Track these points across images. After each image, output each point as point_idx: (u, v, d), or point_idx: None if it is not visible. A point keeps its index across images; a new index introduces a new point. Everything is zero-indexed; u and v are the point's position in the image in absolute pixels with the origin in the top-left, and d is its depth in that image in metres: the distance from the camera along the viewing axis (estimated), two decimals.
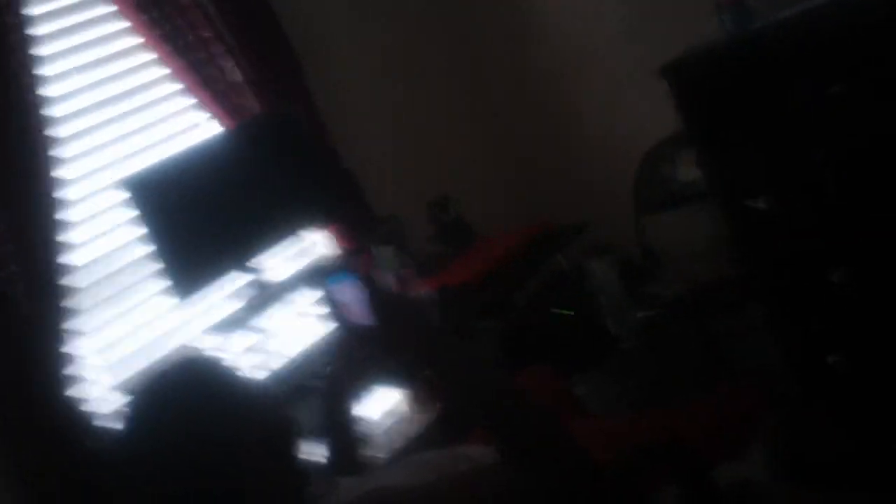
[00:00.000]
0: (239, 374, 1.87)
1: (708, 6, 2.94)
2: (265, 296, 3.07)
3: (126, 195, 2.86)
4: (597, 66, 3.74)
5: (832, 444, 2.31)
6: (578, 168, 3.91)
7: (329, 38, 3.64)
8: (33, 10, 2.89)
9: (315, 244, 3.44)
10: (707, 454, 1.98)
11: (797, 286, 2.96)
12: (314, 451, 2.00)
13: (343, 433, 1.99)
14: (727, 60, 2.89)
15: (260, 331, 3.05)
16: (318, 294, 3.32)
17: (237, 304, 3.11)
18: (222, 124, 3.27)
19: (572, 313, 3.42)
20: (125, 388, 2.86)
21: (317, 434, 1.98)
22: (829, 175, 2.78)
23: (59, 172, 2.84)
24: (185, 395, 1.64)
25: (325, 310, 2.81)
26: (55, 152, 2.84)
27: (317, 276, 3.22)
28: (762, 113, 2.85)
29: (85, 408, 2.73)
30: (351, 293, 1.94)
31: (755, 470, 2.06)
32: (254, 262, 3.09)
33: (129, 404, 1.67)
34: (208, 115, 3.29)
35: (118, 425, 1.68)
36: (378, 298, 1.90)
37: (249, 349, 3.10)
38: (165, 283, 2.93)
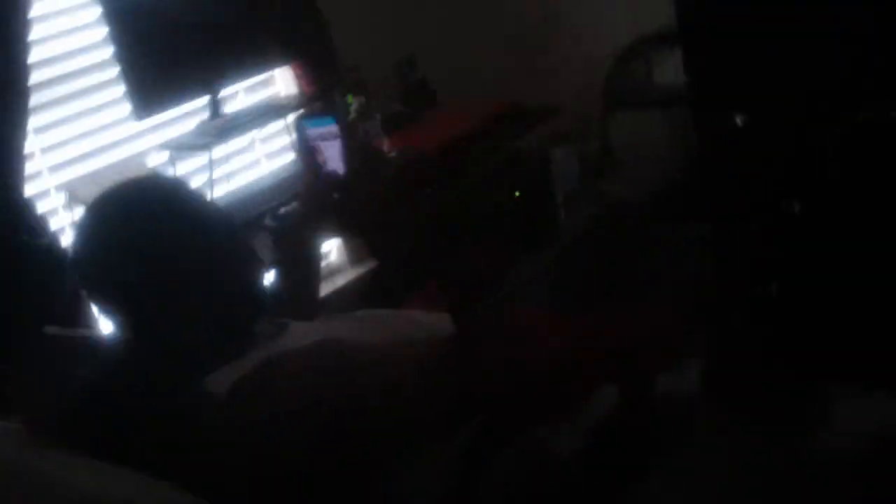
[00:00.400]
0: (202, 196, 1.82)
1: None
2: (222, 123, 2.98)
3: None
4: None
5: (762, 374, 2.35)
6: (556, 52, 3.83)
7: None
8: None
9: (278, 82, 3.34)
10: (645, 363, 1.98)
11: (752, 208, 2.98)
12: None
13: (299, 275, 1.96)
14: None
15: (215, 158, 2.97)
16: (274, 130, 3.27)
17: (194, 127, 3.02)
18: None
19: (520, 195, 3.39)
20: (71, 191, 2.78)
21: (270, 271, 1.94)
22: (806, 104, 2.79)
23: None
24: (148, 210, 1.59)
25: (296, 150, 2.77)
26: None
27: (275, 112, 3.15)
28: (758, 31, 2.82)
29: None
30: (327, 138, 1.89)
31: (689, 385, 2.08)
32: (217, 90, 2.99)
33: (90, 212, 1.62)
34: None
35: (73, 233, 1.63)
36: (355, 148, 1.86)
37: (202, 172, 3.02)
38: (125, 95, 2.83)
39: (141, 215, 1.58)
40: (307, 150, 1.89)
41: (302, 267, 1.96)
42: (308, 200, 1.97)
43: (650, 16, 3.32)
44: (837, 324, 2.88)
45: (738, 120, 2.87)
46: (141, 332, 1.58)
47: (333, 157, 1.83)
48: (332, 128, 1.82)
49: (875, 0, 2.60)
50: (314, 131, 1.88)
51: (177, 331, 1.57)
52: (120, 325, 1.60)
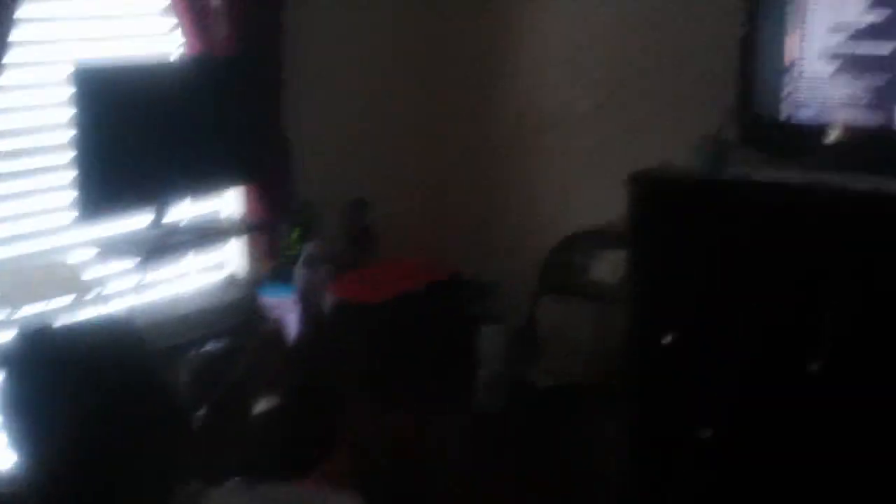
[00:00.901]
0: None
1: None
2: (160, 237, 2.90)
3: (71, 81, 2.65)
4: (558, 143, 3.72)
5: None
6: (498, 224, 3.88)
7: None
8: None
9: (228, 204, 3.29)
10: None
11: (666, 427, 3.01)
12: None
13: (227, 439, 1.88)
14: (694, 192, 2.93)
15: (147, 268, 2.88)
16: (212, 253, 3.20)
17: (130, 233, 2.93)
18: (185, 37, 3.07)
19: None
20: None
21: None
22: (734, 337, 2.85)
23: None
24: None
25: (254, 316, 2.70)
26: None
27: (217, 236, 3.10)
28: (703, 253, 2.90)
29: None
30: (284, 307, 1.86)
31: None
32: (167, 203, 2.93)
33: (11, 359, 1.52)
34: (176, 24, 3.08)
35: None
36: (310, 319, 1.83)
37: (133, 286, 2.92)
38: (73, 192, 2.73)
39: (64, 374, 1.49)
40: (264, 316, 1.85)
41: (232, 430, 1.89)
42: (251, 362, 1.91)
43: (601, 210, 3.39)
44: None
45: (668, 339, 2.93)
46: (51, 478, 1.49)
47: (290, 326, 1.79)
48: (291, 300, 1.79)
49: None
50: (271, 301, 1.84)
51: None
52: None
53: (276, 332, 1.76)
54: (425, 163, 3.90)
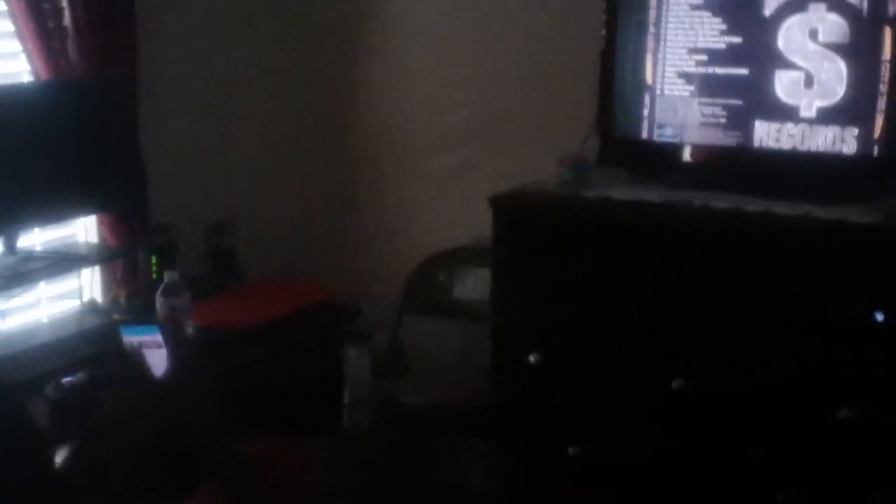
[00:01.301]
0: None
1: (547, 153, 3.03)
2: (13, 265, 2.78)
3: None
4: (421, 162, 3.74)
5: None
6: (363, 244, 3.88)
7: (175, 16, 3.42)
8: None
9: (81, 230, 3.18)
10: None
11: (533, 445, 3.03)
12: None
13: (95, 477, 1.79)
14: (556, 214, 2.95)
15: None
16: (67, 282, 3.08)
17: None
18: (33, 65, 2.97)
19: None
20: None
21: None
22: (601, 360, 2.89)
23: None
24: None
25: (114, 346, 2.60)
26: None
27: (72, 264, 2.98)
28: (563, 274, 2.93)
29: None
30: (150, 346, 1.79)
31: None
32: (17, 231, 2.81)
33: None
34: (23, 49, 2.98)
35: None
36: (177, 361, 1.77)
37: None
38: None
39: None
40: (124, 357, 1.77)
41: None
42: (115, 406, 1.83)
43: (465, 229, 3.42)
44: None
45: (532, 358, 2.95)
46: None
47: (157, 364, 1.72)
48: (156, 337, 1.72)
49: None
50: (134, 339, 1.76)
51: None
52: None
53: (140, 364, 1.69)
54: (287, 182, 3.87)
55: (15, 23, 2.93)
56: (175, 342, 1.83)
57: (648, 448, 2.86)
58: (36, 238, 3.04)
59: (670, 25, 2.89)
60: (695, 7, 2.85)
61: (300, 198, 3.90)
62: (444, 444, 3.48)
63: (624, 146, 3.05)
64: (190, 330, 2.71)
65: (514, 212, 2.98)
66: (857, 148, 2.71)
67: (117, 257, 3.07)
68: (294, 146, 3.89)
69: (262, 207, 3.74)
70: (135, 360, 1.72)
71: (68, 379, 2.39)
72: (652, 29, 2.91)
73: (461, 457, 3.42)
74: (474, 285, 3.48)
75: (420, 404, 3.42)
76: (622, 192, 2.90)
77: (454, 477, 3.42)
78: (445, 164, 3.70)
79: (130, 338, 1.74)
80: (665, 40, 2.90)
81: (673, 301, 2.77)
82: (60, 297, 3.15)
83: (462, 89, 3.63)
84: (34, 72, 2.98)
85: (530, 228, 2.97)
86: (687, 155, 2.96)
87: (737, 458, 2.72)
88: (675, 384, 2.76)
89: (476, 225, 3.10)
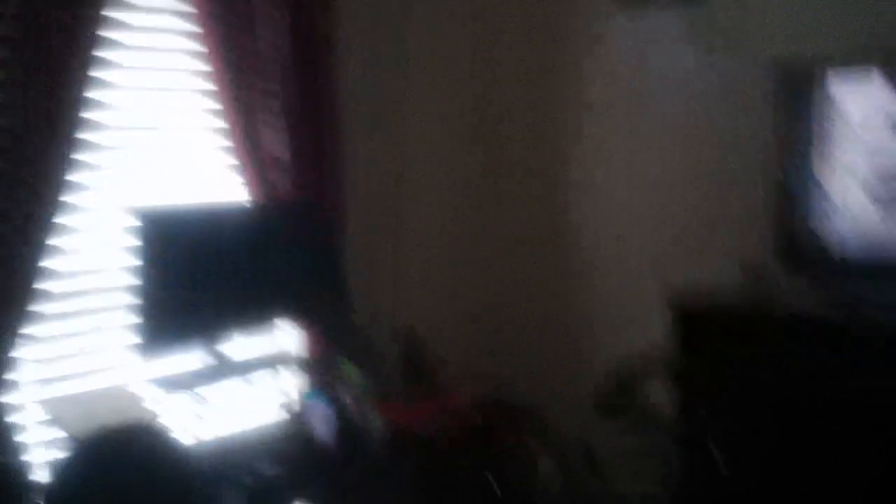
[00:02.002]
0: (179, 447, 1.81)
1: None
2: (220, 368, 3.00)
3: (134, 225, 2.79)
4: (609, 266, 3.81)
5: None
6: (552, 357, 3.92)
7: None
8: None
9: (285, 336, 3.38)
10: None
11: None
12: None
13: None
14: (740, 321, 2.93)
15: (204, 400, 2.96)
16: (270, 383, 3.27)
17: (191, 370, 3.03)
18: (246, 184, 3.25)
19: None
20: (50, 409, 2.75)
21: None
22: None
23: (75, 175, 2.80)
24: (127, 466, 1.60)
25: (288, 415, 2.77)
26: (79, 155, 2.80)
27: (275, 366, 3.17)
28: (749, 381, 2.90)
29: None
30: (322, 414, 1.91)
31: None
32: (224, 339, 3.04)
33: (74, 458, 1.62)
34: (238, 175, 3.27)
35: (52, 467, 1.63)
36: (342, 426, 1.88)
37: (190, 414, 3.00)
38: (132, 332, 2.82)
39: (120, 474, 1.58)
40: (301, 422, 1.91)
41: None
42: (294, 466, 1.97)
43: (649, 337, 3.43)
44: None
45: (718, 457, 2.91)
46: None
47: (324, 433, 1.86)
48: (328, 407, 1.86)
49: None
50: (312, 405, 1.91)
51: None
52: None
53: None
54: (480, 292, 4.00)
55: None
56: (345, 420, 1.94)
57: None
58: (241, 347, 3.25)
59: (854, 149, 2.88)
60: None
61: (493, 306, 4.02)
62: None
63: (806, 256, 3.01)
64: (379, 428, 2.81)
65: (697, 318, 2.98)
66: None
67: (316, 364, 3.23)
68: (491, 259, 4.02)
69: (454, 318, 3.86)
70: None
71: (264, 470, 2.54)
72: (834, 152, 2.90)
73: None
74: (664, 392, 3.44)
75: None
76: (808, 308, 2.84)
77: None
78: (634, 271, 3.74)
79: (308, 403, 1.88)
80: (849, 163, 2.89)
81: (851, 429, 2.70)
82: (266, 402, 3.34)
83: (647, 197, 3.69)
84: (246, 192, 3.27)
85: (714, 335, 2.96)
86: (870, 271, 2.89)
87: None
88: None
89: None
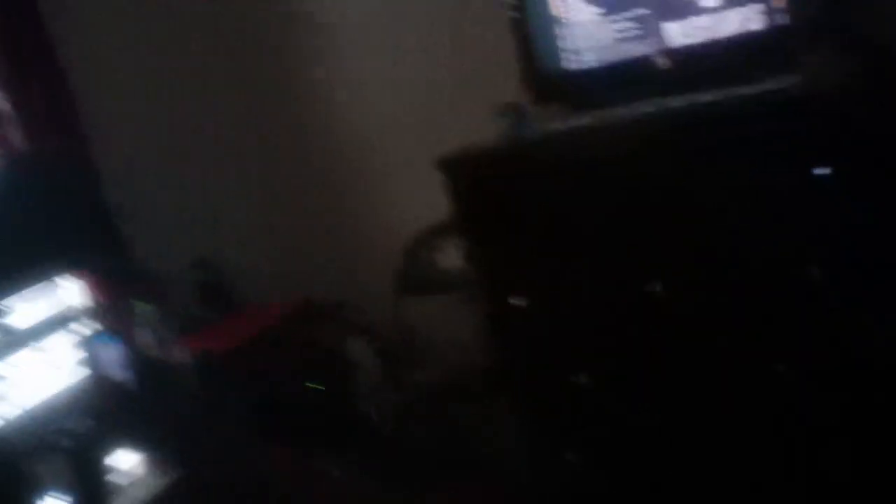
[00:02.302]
0: None
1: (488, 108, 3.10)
2: (8, 340, 2.91)
3: None
4: (376, 151, 3.83)
5: None
6: (346, 248, 3.96)
7: (109, 75, 3.54)
8: None
9: (68, 291, 3.29)
10: None
11: (543, 385, 3.10)
12: None
13: (92, 493, 1.92)
14: (500, 162, 3.04)
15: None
16: (64, 343, 3.19)
17: None
18: None
19: (323, 388, 3.44)
20: None
21: (62, 491, 1.90)
22: (581, 284, 2.96)
23: None
24: None
25: (85, 367, 2.72)
26: None
27: (66, 324, 3.09)
28: (527, 216, 3.01)
29: None
30: (115, 355, 1.90)
31: None
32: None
33: None
34: None
35: None
36: (141, 364, 1.87)
37: None
38: None
39: None
40: (96, 368, 1.89)
41: (93, 482, 1.93)
42: (97, 415, 1.96)
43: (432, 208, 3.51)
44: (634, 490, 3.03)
45: (518, 302, 3.02)
46: None
47: (121, 373, 1.84)
48: (119, 345, 1.85)
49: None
50: (102, 348, 1.89)
51: None
52: None
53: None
54: (259, 207, 3.98)
55: None
56: (140, 356, 1.93)
57: (648, 358, 2.92)
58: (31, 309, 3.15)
59: None
60: None
61: (278, 220, 4.02)
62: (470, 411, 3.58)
63: (553, 82, 3.13)
64: (184, 357, 2.80)
65: (463, 171, 3.06)
66: (765, 22, 2.78)
67: (106, 310, 3.17)
68: (255, 168, 3.99)
69: (240, 238, 3.84)
70: None
71: (70, 428, 2.51)
72: None
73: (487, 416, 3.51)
74: (458, 255, 3.53)
75: (435, 380, 3.49)
76: (558, 125, 2.98)
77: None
78: (401, 148, 3.78)
79: (98, 346, 1.85)
80: None
81: (632, 212, 2.84)
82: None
83: (391, 68, 3.71)
84: None
85: (483, 182, 3.05)
86: (609, 73, 3.02)
87: (732, 335, 2.79)
88: (654, 288, 2.82)
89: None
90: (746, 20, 2.80)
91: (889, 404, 2.62)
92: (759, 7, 2.78)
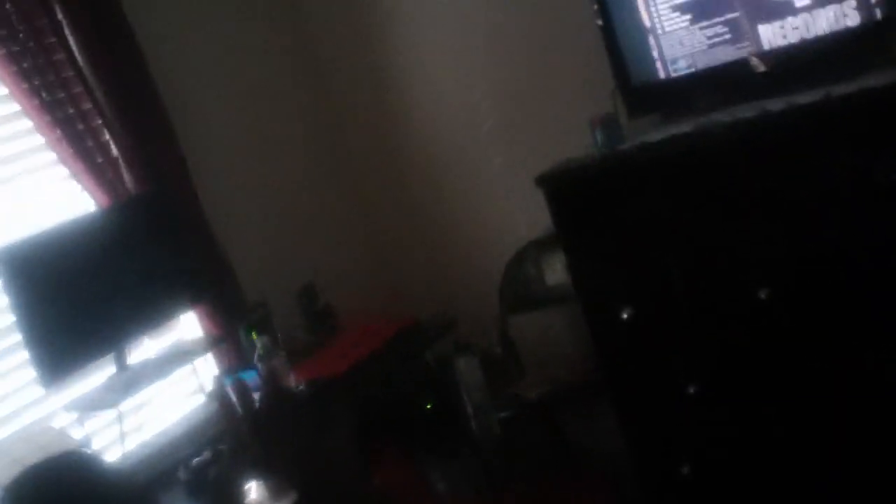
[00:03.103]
0: (109, 468, 1.86)
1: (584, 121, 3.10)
2: (130, 376, 3.01)
3: None
4: (471, 168, 3.85)
5: None
6: (446, 265, 4.00)
7: (208, 118, 3.64)
8: None
9: (182, 326, 3.40)
10: None
11: (653, 395, 3.09)
12: None
13: None
14: (598, 175, 3.03)
15: (123, 411, 2.98)
16: (181, 376, 3.29)
17: (101, 384, 3.03)
18: (96, 199, 3.22)
19: (431, 406, 3.48)
20: None
21: None
22: (686, 292, 2.93)
23: None
24: (60, 499, 1.63)
25: (219, 401, 2.82)
26: None
27: (182, 359, 3.19)
28: (629, 227, 3.01)
29: None
30: (246, 387, 1.96)
31: None
32: (122, 345, 3.03)
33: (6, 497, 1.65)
34: (82, 187, 3.23)
35: None
36: (270, 394, 1.93)
37: (112, 429, 3.02)
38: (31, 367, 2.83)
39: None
40: (229, 401, 1.96)
41: None
42: (230, 447, 2.03)
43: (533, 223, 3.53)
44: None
45: (624, 314, 3.01)
46: None
47: (251, 404, 1.91)
48: (253, 378, 1.91)
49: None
50: (236, 382, 1.96)
51: None
52: None
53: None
54: (359, 230, 4.05)
55: (66, 165, 3.17)
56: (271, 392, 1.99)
57: (759, 366, 2.88)
58: (146, 348, 3.25)
59: None
60: None
61: (374, 240, 4.08)
62: (574, 426, 3.58)
63: (646, 93, 3.12)
64: (299, 386, 2.86)
65: (563, 186, 3.07)
66: (860, 17, 2.73)
67: (221, 343, 3.27)
68: (354, 195, 4.07)
69: (342, 263, 3.91)
70: None
71: (196, 459, 2.58)
72: None
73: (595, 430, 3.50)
74: (563, 269, 3.53)
75: (541, 394, 3.50)
76: (653, 134, 2.97)
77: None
78: (500, 163, 3.80)
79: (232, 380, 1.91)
80: None
81: (735, 217, 2.81)
82: (187, 394, 3.37)
83: (481, 89, 3.74)
84: (97, 203, 3.23)
85: (583, 196, 3.06)
86: (704, 80, 3.00)
87: (843, 339, 2.74)
88: (762, 294, 2.78)
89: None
90: (841, 16, 2.75)
91: None
92: (853, 2, 2.73)
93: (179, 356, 3.16)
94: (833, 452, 2.80)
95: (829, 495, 2.84)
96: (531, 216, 3.52)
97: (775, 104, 2.74)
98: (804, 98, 2.69)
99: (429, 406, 3.47)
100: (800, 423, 2.84)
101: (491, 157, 3.80)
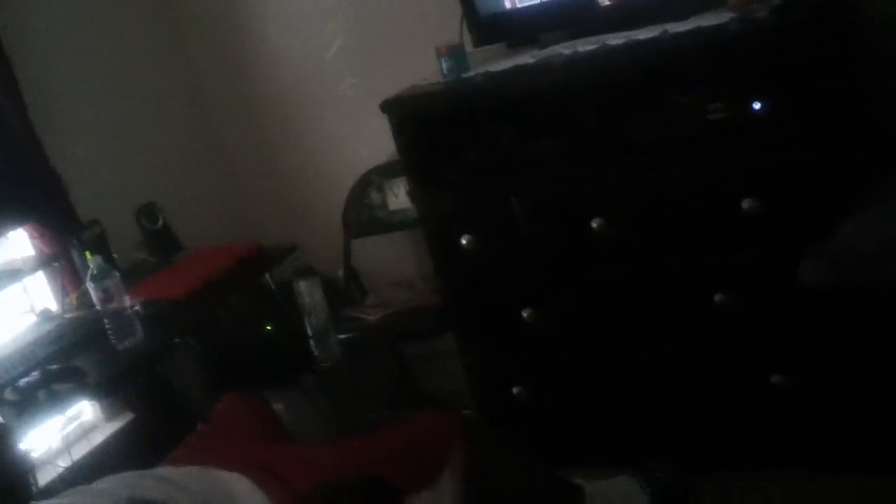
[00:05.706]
0: None
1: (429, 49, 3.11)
2: None
3: None
4: (318, 94, 3.82)
5: (514, 474, 2.48)
6: (291, 190, 3.98)
7: (40, 32, 3.48)
8: None
9: (11, 244, 3.28)
10: (401, 483, 2.06)
11: (491, 321, 3.17)
12: None
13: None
14: (443, 103, 3.07)
15: None
16: (11, 295, 3.20)
17: None
18: None
19: (271, 329, 3.48)
20: None
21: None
22: (525, 222, 3.00)
23: None
24: None
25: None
26: None
27: (11, 276, 3.10)
28: (471, 155, 3.05)
29: None
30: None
31: (446, 499, 2.17)
32: None
33: None
34: None
35: None
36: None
37: None
38: None
39: None
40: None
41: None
42: None
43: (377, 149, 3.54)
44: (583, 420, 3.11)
45: (464, 240, 3.07)
46: None
47: None
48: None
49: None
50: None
51: None
52: None
53: None
54: (205, 154, 3.98)
55: None
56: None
57: (594, 295, 2.99)
58: None
59: None
60: None
61: (220, 166, 4.02)
62: (414, 349, 3.64)
63: (492, 23, 3.15)
64: (134, 307, 2.81)
65: (408, 113, 3.08)
66: None
67: (52, 262, 3.17)
68: (198, 119, 3.99)
69: (184, 185, 3.84)
70: None
71: (24, 380, 2.52)
72: None
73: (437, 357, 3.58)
74: (406, 195, 3.56)
75: (382, 317, 3.53)
76: (498, 65, 3.01)
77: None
78: (345, 89, 3.78)
79: None
80: None
81: (576, 148, 2.88)
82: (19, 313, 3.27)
83: (340, 13, 3.70)
84: None
85: (427, 122, 3.08)
86: (548, 13, 3.04)
87: (675, 265, 2.86)
88: (594, 223, 2.86)
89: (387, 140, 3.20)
90: None
91: None
92: None
93: (8, 274, 3.06)
94: (656, 372, 2.95)
95: (652, 414, 2.99)
96: (376, 142, 3.54)
97: (616, 39, 2.81)
98: (643, 34, 2.77)
99: (269, 328, 3.47)
100: (626, 345, 2.98)
101: (336, 82, 3.77)
